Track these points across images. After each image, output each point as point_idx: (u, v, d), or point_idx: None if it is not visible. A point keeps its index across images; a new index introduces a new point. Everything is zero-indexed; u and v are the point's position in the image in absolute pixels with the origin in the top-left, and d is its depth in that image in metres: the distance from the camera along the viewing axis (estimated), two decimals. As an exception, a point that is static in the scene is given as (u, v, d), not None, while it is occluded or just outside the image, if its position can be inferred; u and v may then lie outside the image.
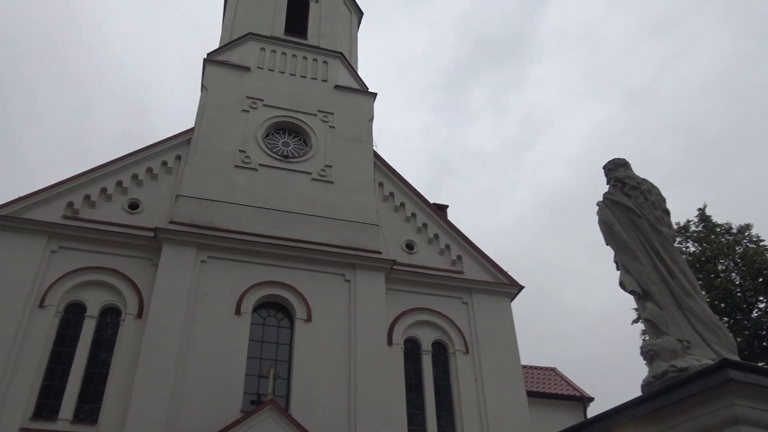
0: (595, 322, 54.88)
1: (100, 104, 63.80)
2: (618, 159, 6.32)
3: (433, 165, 69.60)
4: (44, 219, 15.49)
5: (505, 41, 76.18)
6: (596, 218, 6.10)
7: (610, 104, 70.66)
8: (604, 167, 6.35)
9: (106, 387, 14.05)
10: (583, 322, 55.81)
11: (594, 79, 72.03)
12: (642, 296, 5.43)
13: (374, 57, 67.51)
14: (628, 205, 5.75)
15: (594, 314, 54.63)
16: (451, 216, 21.00)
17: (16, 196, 15.55)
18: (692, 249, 21.77)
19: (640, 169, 6.42)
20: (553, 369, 21.02)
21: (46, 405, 13.77)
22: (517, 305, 28.98)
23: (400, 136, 65.71)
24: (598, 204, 6.03)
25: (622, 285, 5.67)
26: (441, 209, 20.73)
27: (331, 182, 18.47)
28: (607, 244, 5.88)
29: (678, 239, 21.96)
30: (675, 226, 22.11)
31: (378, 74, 72.74)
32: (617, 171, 6.16)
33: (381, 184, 19.65)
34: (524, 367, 17.95)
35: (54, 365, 14.25)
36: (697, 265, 20.58)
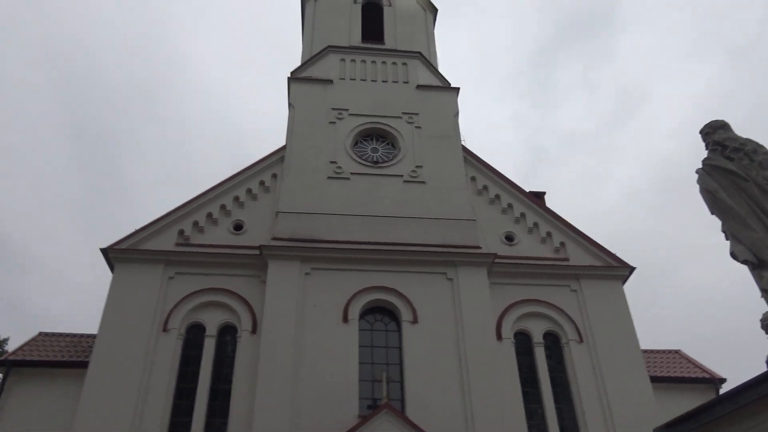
0: (721, 298, 51.37)
1: (199, 136, 67.39)
2: (715, 121, 5.88)
3: (527, 153, 68.07)
4: (159, 248, 16.53)
5: (589, 15, 73.37)
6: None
7: (712, 65, 66.26)
8: (700, 132, 5.93)
9: (231, 401, 14.72)
10: (708, 299, 52.45)
11: (691, 40, 67.86)
12: (757, 265, 4.99)
13: (457, 51, 66.89)
14: (731, 169, 5.33)
15: (720, 289, 51.21)
16: (551, 203, 20.44)
17: (132, 230, 16.70)
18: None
19: (755, 129, 5.94)
20: (677, 351, 19.78)
21: (179, 423, 14.60)
22: (633, 287, 27.67)
23: (491, 127, 64.74)
24: (697, 171, 5.63)
25: (734, 255, 5.24)
26: (538, 197, 20.17)
27: (423, 182, 18.47)
28: (713, 213, 5.47)
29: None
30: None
31: (462, 68, 72.04)
32: (716, 134, 5.73)
33: (473, 178, 19.41)
34: (645, 351, 17.04)
35: (182, 384, 15.13)
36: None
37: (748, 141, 5.62)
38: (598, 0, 73.67)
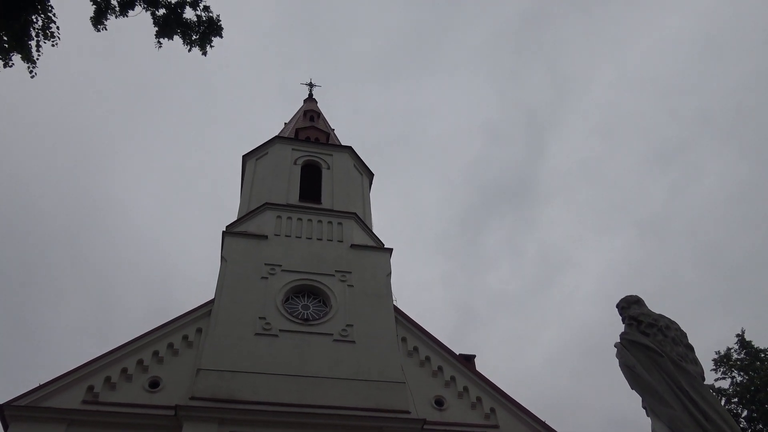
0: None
1: (123, 285, 65.23)
2: (630, 297, 6.16)
3: (456, 314, 68.72)
4: (63, 406, 15.13)
5: (513, 185, 78.85)
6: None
7: (624, 236, 71.06)
8: (617, 306, 6.18)
9: None
10: (642, 472, 51.37)
11: (604, 213, 73.25)
12: (677, 444, 4.98)
13: (389, 213, 69.44)
14: (647, 344, 5.49)
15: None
16: (481, 365, 20.29)
17: (36, 384, 15.39)
18: (739, 379, 20.54)
19: (666, 300, 6.24)
20: None
21: None
22: (563, 458, 26.95)
23: (420, 288, 65.60)
24: (615, 345, 5.77)
25: (655, 432, 5.24)
26: (468, 360, 20.08)
27: (353, 342, 18.13)
28: (633, 389, 5.53)
29: (721, 369, 20.85)
30: (716, 355, 21.13)
31: (393, 229, 74.43)
32: (630, 309, 5.97)
33: (404, 339, 19.24)
34: None
35: None
36: (748, 396, 19.30)
37: (661, 317, 5.87)
38: (518, 173, 79.53)
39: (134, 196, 72.49)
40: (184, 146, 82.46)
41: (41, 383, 15.46)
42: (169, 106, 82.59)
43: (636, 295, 6.12)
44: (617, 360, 5.68)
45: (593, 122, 79.59)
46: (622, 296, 6.17)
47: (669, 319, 5.83)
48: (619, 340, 5.78)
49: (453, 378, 18.39)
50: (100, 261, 64.11)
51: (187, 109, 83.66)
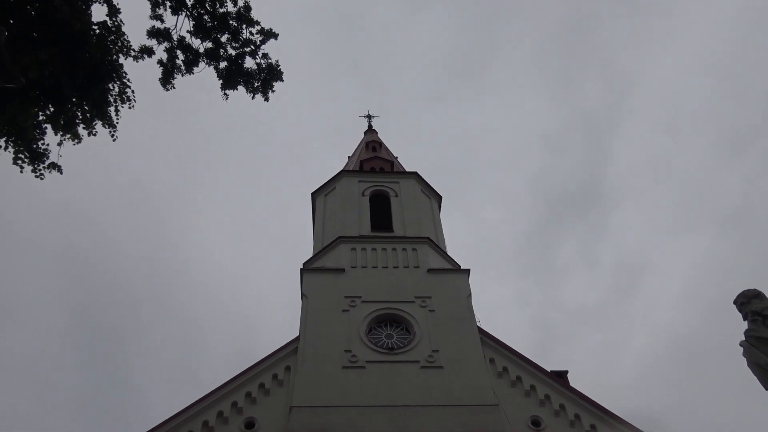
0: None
1: (209, 334, 66.88)
2: (749, 291, 5.74)
3: (536, 332, 66.81)
4: (167, 453, 15.58)
5: (579, 193, 76.75)
6: (737, 355, 5.40)
7: (704, 234, 67.67)
8: (735, 302, 5.79)
9: None
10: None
11: (679, 212, 70.15)
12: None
13: (457, 234, 68.88)
14: (778, 340, 5.10)
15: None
16: (573, 381, 19.55)
17: (140, 435, 15.86)
18: None
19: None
20: None
21: None
22: (673, 472, 25.51)
23: (495, 307, 64.31)
24: (741, 344, 5.38)
25: (801, 434, 4.83)
26: (560, 376, 19.40)
27: (441, 367, 17.88)
28: (767, 389, 5.13)
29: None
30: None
31: (463, 250, 73.65)
32: (751, 303, 5.58)
33: (492, 360, 18.82)
34: None
35: None
36: None
37: (787, 309, 5.46)
38: (583, 180, 77.54)
39: (210, 247, 74.70)
40: (253, 195, 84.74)
41: (145, 432, 15.93)
42: (234, 157, 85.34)
43: (755, 289, 5.70)
44: (744, 359, 5.31)
45: (655, 118, 77.00)
46: (739, 291, 5.77)
47: (796, 311, 5.42)
48: (744, 339, 5.40)
49: (548, 396, 17.81)
50: (185, 314, 66.23)
51: (253, 157, 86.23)
